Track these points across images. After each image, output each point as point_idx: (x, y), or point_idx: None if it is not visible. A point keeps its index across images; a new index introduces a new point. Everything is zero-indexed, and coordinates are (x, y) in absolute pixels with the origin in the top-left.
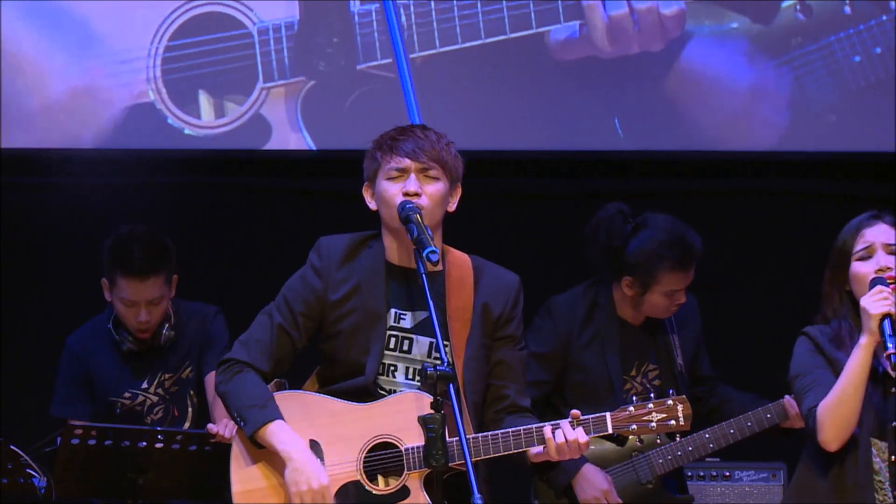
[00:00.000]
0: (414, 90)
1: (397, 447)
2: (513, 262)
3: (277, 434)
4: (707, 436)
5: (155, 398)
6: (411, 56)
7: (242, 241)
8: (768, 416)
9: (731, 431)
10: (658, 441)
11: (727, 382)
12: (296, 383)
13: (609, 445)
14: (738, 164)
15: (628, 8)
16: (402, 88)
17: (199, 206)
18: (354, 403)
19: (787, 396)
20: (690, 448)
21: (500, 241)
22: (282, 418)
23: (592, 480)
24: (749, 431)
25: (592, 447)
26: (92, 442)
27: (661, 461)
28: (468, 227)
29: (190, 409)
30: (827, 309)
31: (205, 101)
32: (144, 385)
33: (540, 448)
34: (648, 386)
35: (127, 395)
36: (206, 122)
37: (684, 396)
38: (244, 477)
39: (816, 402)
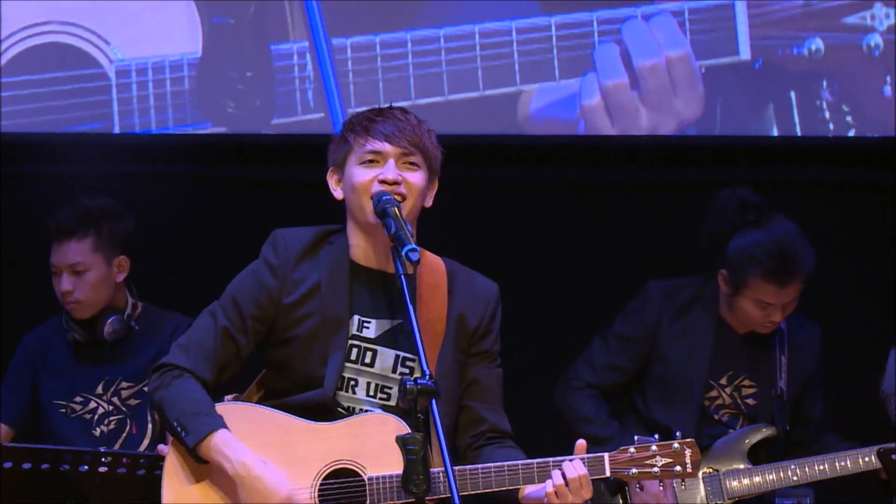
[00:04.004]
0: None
1: (359, 475)
2: (493, 261)
3: (223, 447)
4: (793, 466)
5: (109, 406)
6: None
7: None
8: (866, 458)
9: (822, 468)
10: (738, 459)
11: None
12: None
13: None
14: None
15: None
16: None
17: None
18: (311, 422)
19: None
20: (771, 476)
21: (482, 238)
22: (227, 428)
23: (645, 484)
24: (842, 471)
25: None
26: (27, 465)
27: (734, 483)
28: (445, 223)
29: (150, 427)
30: None
31: None
32: (99, 390)
33: (536, 489)
34: (740, 403)
35: (78, 398)
36: None
37: (693, 440)
38: (178, 494)
39: None
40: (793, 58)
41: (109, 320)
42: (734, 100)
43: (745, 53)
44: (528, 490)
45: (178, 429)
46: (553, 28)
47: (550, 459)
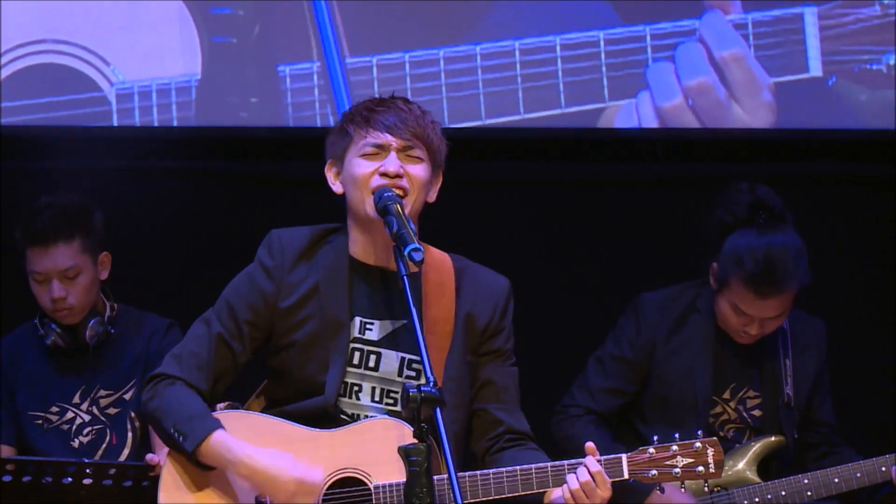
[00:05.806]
0: None
1: (365, 484)
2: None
3: (222, 448)
4: (806, 481)
5: (87, 417)
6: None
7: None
8: (883, 468)
9: (836, 480)
10: (748, 476)
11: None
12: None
13: None
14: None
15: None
16: None
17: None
18: (314, 429)
19: None
20: (784, 493)
21: (492, 235)
22: (224, 429)
23: (676, 500)
24: (857, 483)
25: None
26: (7, 478)
27: (745, 502)
28: (450, 219)
29: (130, 436)
30: None
31: None
32: (76, 399)
33: (560, 495)
34: (746, 415)
35: (55, 409)
36: None
37: (715, 439)
38: None
39: None
40: (870, 73)
41: (91, 323)
42: (807, 118)
43: (815, 70)
44: (554, 495)
45: (176, 435)
46: (602, 44)
47: (566, 462)
